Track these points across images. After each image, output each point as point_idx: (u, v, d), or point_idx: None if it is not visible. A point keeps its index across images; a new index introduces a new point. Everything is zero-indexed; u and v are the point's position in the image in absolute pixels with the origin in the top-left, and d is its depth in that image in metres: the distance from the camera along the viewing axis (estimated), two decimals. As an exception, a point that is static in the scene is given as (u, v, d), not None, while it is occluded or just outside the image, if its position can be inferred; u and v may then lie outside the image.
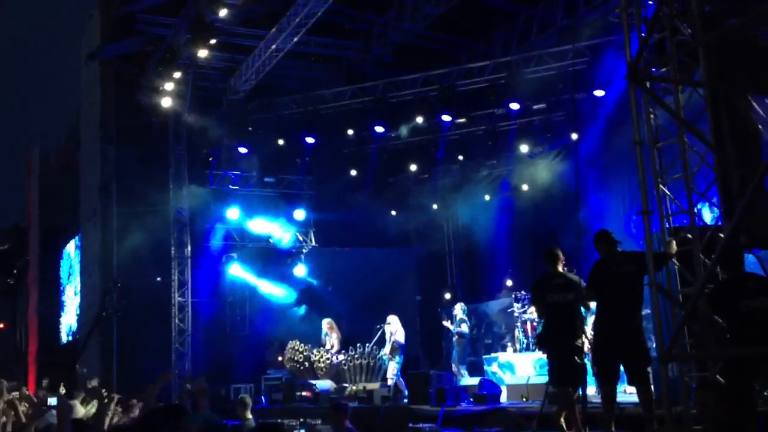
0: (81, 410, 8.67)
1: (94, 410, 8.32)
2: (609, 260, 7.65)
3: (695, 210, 7.66)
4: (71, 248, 24.89)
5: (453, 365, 14.81)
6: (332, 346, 15.68)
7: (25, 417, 6.58)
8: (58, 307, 26.00)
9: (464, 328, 15.03)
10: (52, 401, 11.35)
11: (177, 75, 16.03)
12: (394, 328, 14.11)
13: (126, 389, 12.32)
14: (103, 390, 8.70)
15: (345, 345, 15.58)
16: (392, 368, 13.94)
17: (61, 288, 26.06)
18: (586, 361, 8.20)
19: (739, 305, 6.09)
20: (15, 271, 31.61)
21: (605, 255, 7.71)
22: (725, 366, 6.53)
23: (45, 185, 27.84)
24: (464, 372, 14.68)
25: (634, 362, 7.35)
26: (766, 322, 6.03)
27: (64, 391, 13.63)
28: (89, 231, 19.87)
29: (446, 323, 15.36)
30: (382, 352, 14.58)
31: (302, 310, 18.62)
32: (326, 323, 16.07)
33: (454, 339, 15.02)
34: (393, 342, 14.04)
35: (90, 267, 19.64)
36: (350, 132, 17.92)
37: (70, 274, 25.12)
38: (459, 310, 15.16)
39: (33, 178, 29.27)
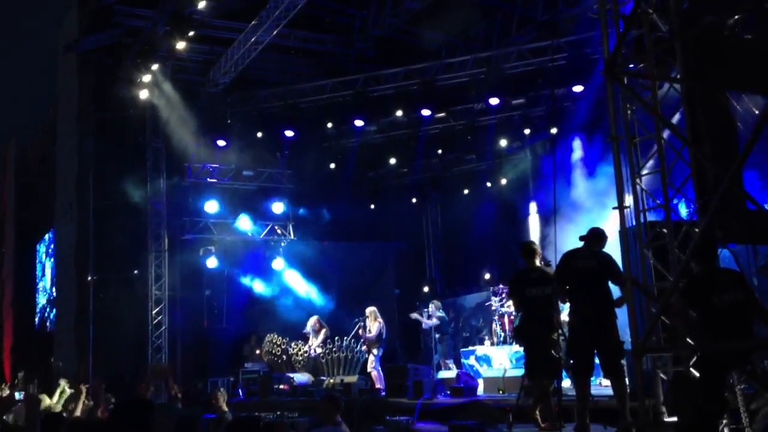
0: (47, 401, 8.63)
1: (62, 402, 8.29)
2: (572, 255, 7.71)
3: (670, 205, 7.73)
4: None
5: (440, 361, 14.77)
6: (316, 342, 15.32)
7: None
8: (33, 300, 25.76)
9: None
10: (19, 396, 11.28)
11: (155, 67, 15.91)
12: (370, 321, 14.03)
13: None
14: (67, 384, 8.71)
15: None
16: (371, 360, 13.89)
17: (36, 282, 25.83)
18: (561, 354, 8.27)
19: (713, 299, 6.14)
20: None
21: (572, 250, 7.78)
22: (699, 359, 6.60)
23: (21, 179, 27.52)
24: (452, 365, 14.68)
25: (607, 355, 7.40)
26: (739, 315, 6.10)
27: (34, 390, 13.50)
28: (65, 224, 19.67)
29: (416, 316, 15.33)
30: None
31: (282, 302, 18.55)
32: (312, 321, 15.72)
33: (437, 336, 15.02)
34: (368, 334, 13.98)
35: (66, 261, 19.45)
36: (330, 126, 17.87)
37: (43, 268, 24.91)
38: (433, 308, 15.16)
39: (9, 172, 28.91)
